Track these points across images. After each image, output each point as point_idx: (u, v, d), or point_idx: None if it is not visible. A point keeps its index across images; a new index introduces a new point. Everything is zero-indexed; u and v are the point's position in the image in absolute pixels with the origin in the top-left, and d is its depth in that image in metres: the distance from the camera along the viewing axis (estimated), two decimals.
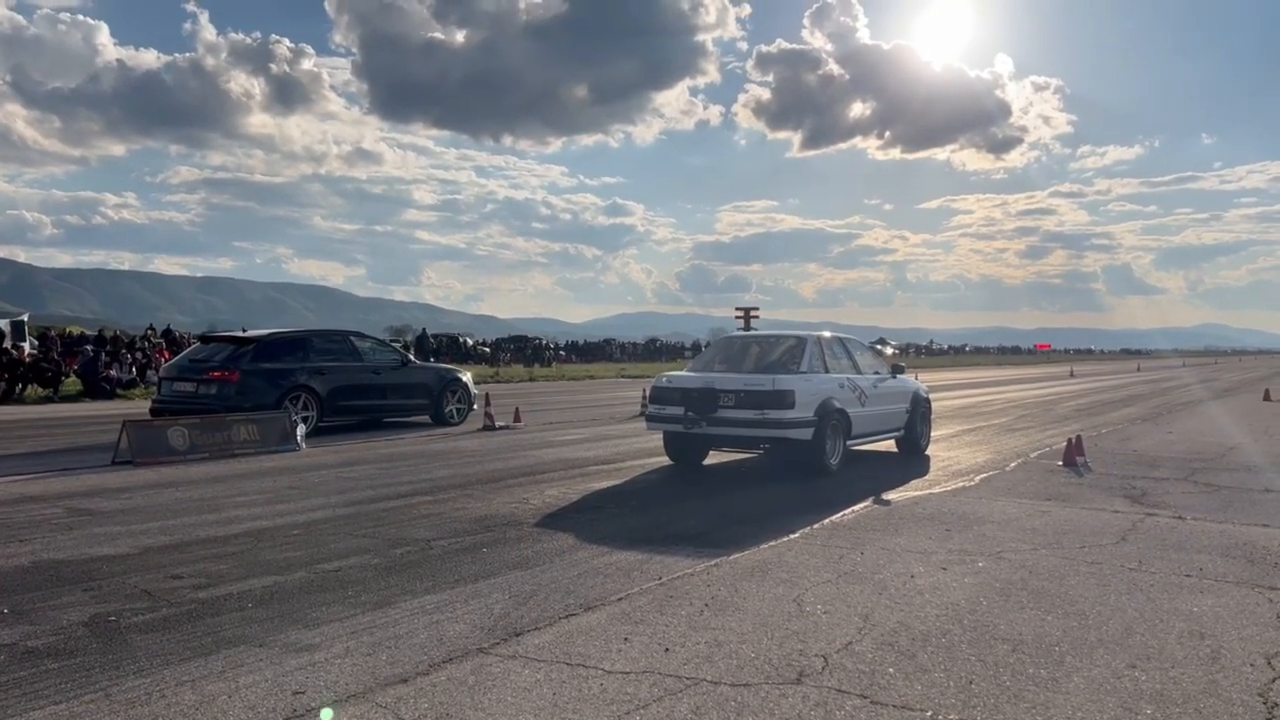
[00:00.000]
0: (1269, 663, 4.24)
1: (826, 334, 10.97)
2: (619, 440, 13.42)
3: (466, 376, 16.60)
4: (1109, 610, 5.02)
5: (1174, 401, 23.91)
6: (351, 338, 15.18)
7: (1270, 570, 5.90)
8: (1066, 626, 4.73)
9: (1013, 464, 11.03)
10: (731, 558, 6.16)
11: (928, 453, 12.13)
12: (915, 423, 11.75)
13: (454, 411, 15.88)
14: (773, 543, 6.62)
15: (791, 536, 6.83)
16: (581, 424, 16.21)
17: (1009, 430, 15.47)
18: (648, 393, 10.42)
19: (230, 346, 13.74)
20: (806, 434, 9.24)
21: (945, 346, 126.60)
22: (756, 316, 22.65)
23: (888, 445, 12.15)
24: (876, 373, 11.21)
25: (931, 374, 44.60)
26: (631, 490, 8.92)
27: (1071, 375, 45.23)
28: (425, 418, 15.73)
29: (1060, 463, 10.81)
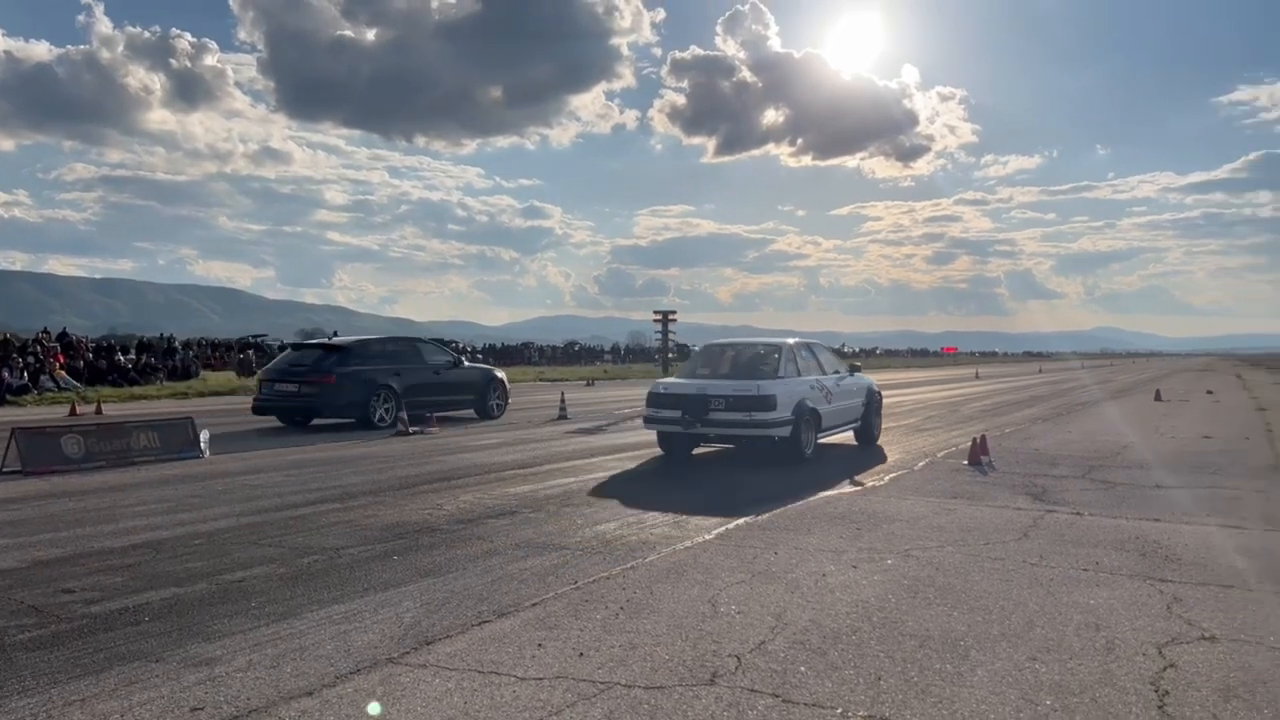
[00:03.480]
0: (1160, 652, 4.42)
1: (795, 340, 12.06)
2: (537, 445, 13.33)
3: (503, 374, 18.49)
4: (1011, 605, 5.17)
5: (1073, 402, 24.87)
6: (416, 342, 17.41)
7: (1161, 563, 6.17)
8: (971, 621, 4.85)
9: (921, 464, 11.31)
10: (648, 560, 6.16)
11: (879, 443, 13.46)
12: (870, 415, 13.18)
13: (494, 406, 17.79)
14: (689, 544, 6.64)
15: (707, 538, 6.86)
16: (499, 428, 16.04)
17: (917, 431, 15.87)
18: (646, 398, 11.43)
19: (323, 352, 15.75)
20: (786, 431, 10.57)
21: (857, 349, 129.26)
22: (674, 320, 22.76)
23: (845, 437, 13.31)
24: (837, 372, 12.51)
25: None
26: (548, 495, 8.85)
27: (977, 377, 46.68)
28: (471, 412, 17.61)
29: (966, 462, 11.12)
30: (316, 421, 15.94)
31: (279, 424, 16.06)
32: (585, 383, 34.75)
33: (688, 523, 7.46)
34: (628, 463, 11.25)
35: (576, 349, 74.48)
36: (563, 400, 19.35)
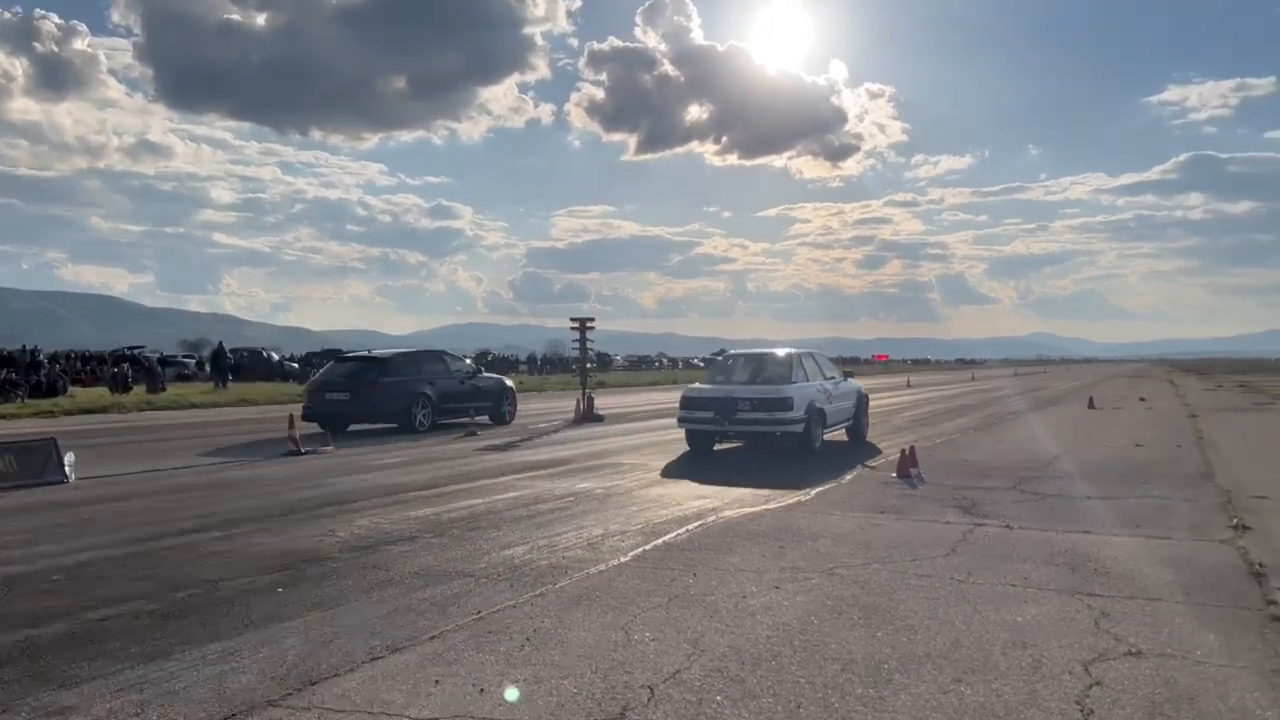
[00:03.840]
0: (1086, 669, 4.55)
1: (799, 350, 14.82)
2: (443, 464, 13.15)
3: (512, 383, 21.79)
4: (937, 624, 5.27)
5: (1005, 411, 25.61)
6: (443, 355, 20.43)
7: (1090, 577, 6.37)
8: (896, 643, 4.93)
9: (848, 476, 11.49)
10: (559, 586, 6.12)
11: (868, 439, 16.27)
12: (859, 415, 16.08)
13: (507, 412, 20.61)
14: (603, 568, 6.62)
15: (623, 560, 6.85)
16: (401, 446, 15.79)
17: (846, 442, 16.11)
18: (680, 401, 13.93)
19: (368, 364, 18.75)
20: (800, 428, 13.17)
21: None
22: (592, 328, 22.70)
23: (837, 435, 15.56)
24: (833, 377, 15.05)
25: None
26: (453, 518, 8.74)
27: (908, 385, 47.73)
28: (485, 418, 20.15)
29: (895, 474, 11.34)
30: (354, 427, 18.48)
31: (160, 449, 15.61)
32: None
33: (602, 544, 7.43)
34: (542, 481, 11.18)
35: (490, 359, 73.87)
36: (472, 415, 19.18)
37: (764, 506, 9.28)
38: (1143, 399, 30.18)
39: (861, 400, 16.38)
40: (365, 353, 20.03)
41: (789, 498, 9.84)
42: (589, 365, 23.62)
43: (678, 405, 14.10)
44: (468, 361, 21.31)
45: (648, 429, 19.25)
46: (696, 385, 14.34)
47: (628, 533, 7.93)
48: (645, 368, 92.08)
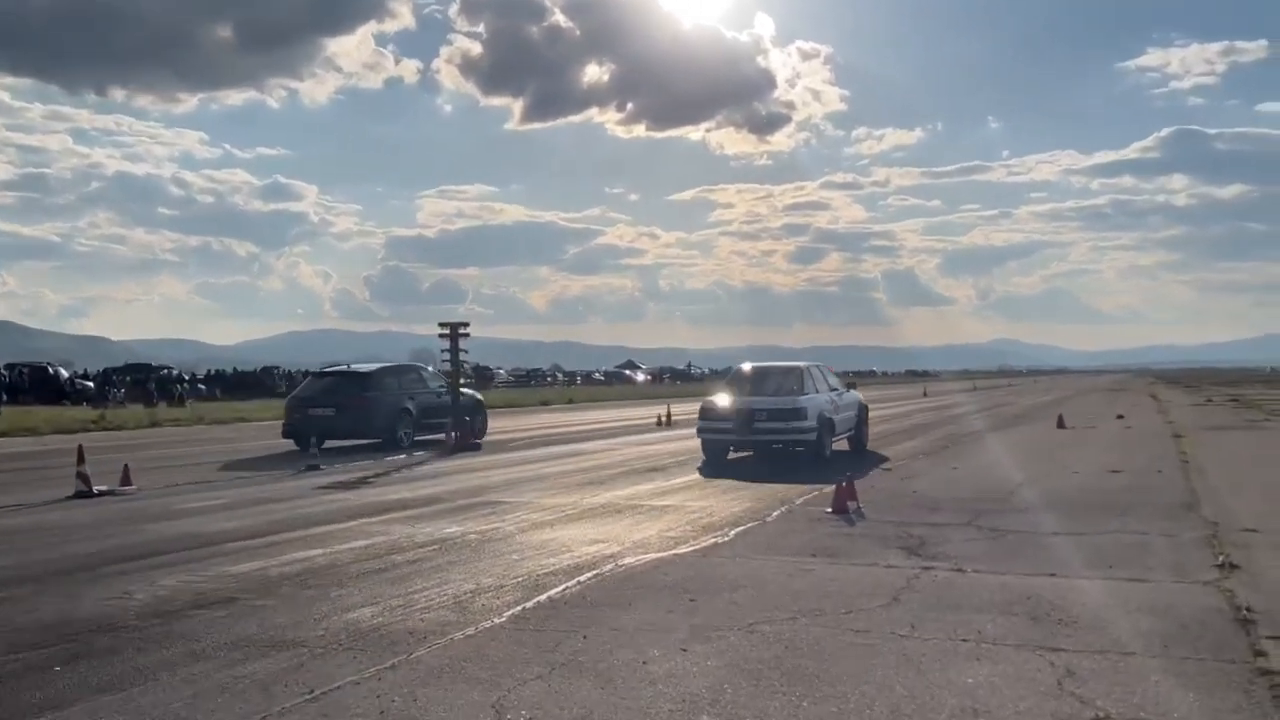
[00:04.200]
0: None
1: (808, 363, 19.09)
2: (275, 506, 12.88)
3: (482, 397, 25.85)
4: (874, 689, 5.35)
5: (962, 432, 26.28)
6: (420, 369, 24.25)
7: (1053, 629, 6.55)
8: (824, 714, 4.98)
9: (775, 513, 11.64)
10: (415, 655, 6.04)
11: (869, 447, 20.16)
12: (860, 425, 19.95)
13: (479, 427, 23.77)
14: (472, 631, 6.56)
15: (497, 621, 6.80)
16: (224, 484, 15.42)
17: (773, 471, 16.31)
18: (699, 412, 17.94)
19: (351, 378, 22.06)
20: (814, 437, 16.85)
21: (705, 370, 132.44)
22: (466, 334, 22.54)
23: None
24: (836, 389, 19.00)
25: (688, 405, 46.14)
26: (284, 573, 8.55)
27: None
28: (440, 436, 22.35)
29: (829, 509, 11.52)
30: (331, 444, 20.64)
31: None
32: None
33: (473, 602, 7.36)
34: (400, 525, 11.03)
35: None
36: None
37: (673, 552, 9.32)
38: (1120, 416, 31.29)
39: (862, 410, 20.37)
40: (345, 367, 23.72)
41: (704, 540, 9.90)
42: (463, 381, 23.43)
43: (696, 416, 18.33)
44: (443, 377, 24.13)
45: (536, 459, 19.19)
46: (714, 397, 18.42)
47: (505, 587, 7.87)
48: (536, 383, 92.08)
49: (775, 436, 17.33)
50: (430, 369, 25.37)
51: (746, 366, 20.08)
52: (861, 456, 18.50)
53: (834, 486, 11.98)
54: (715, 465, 17.18)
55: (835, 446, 18.47)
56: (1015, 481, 14.48)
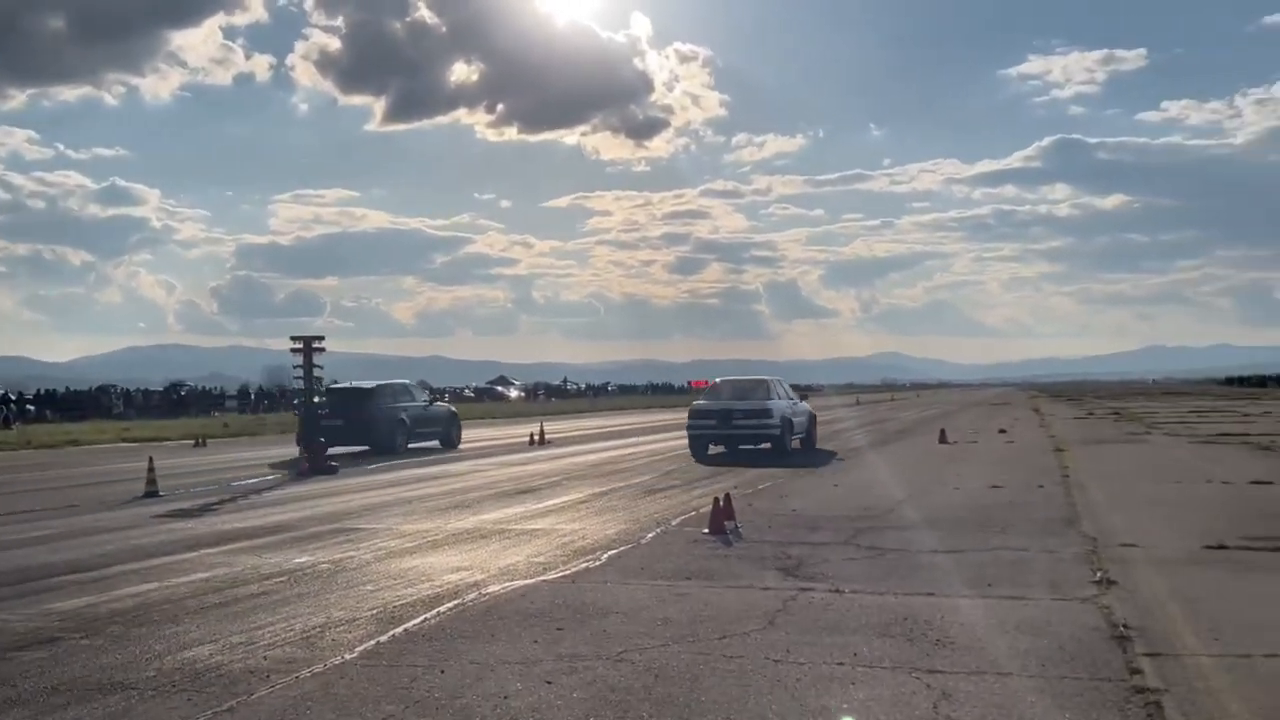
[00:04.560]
0: None
1: (771, 377, 25.01)
2: (106, 536, 12.45)
3: (456, 410, 32.20)
4: (746, 717, 5.37)
5: (843, 447, 26.73)
6: (408, 385, 29.90)
7: (930, 649, 6.67)
8: None
9: (650, 535, 11.67)
10: (255, 696, 5.88)
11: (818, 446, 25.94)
12: (811, 429, 26.16)
13: (455, 437, 29.57)
14: (320, 668, 6.41)
15: (348, 657, 6.67)
16: (49, 514, 14.85)
17: (649, 492, 16.39)
18: (689, 413, 24.19)
19: (358, 393, 27.31)
20: (777, 432, 22.40)
21: (582, 386, 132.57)
22: (321, 348, 22.15)
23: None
24: (792, 398, 25.14)
25: (562, 423, 46.36)
26: (114, 609, 8.27)
27: None
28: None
29: (706, 530, 11.59)
30: (336, 450, 24.46)
31: None
32: (193, 442, 33.09)
33: (322, 638, 7.19)
34: (245, 556, 10.77)
35: (183, 393, 70.87)
36: (151, 469, 18.17)
37: (540, 578, 9.27)
38: (1003, 431, 32.20)
39: (811, 418, 26.80)
40: (349, 384, 29.00)
41: (574, 565, 9.87)
42: (318, 397, 23.00)
43: (687, 417, 24.63)
44: (426, 392, 31.25)
45: (398, 482, 18.93)
46: (700, 402, 24.89)
47: (358, 620, 7.72)
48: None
49: (748, 432, 23.61)
50: (414, 384, 31.43)
51: (723, 380, 26.95)
52: (814, 452, 24.70)
53: (710, 506, 12.07)
54: (598, 484, 17.15)
55: (791, 445, 24.42)
56: (896, 498, 14.77)
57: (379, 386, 28.02)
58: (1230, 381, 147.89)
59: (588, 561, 10.05)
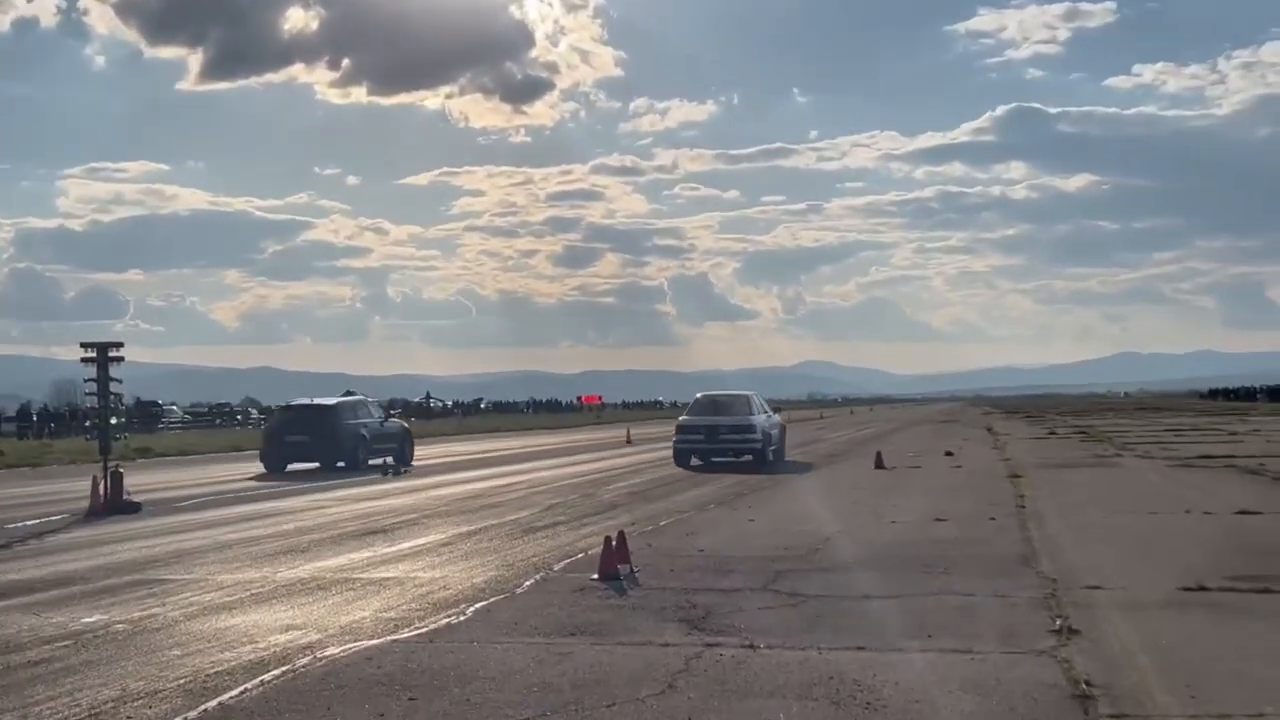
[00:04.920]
0: None
1: (750, 393, 32.43)
2: None
3: (408, 426, 38.47)
4: None
5: (761, 475, 26.95)
6: (366, 401, 35.46)
7: (860, 714, 6.74)
8: None
9: (528, 582, 11.64)
10: None
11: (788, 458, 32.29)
12: (781, 440, 32.51)
13: (409, 454, 34.50)
14: None
15: None
16: None
17: (529, 531, 16.35)
18: (676, 429, 31.20)
19: (321, 409, 32.83)
20: (759, 445, 29.54)
21: (449, 403, 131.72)
22: (119, 359, 21.67)
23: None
24: (768, 413, 31.64)
25: (423, 448, 46.08)
26: None
27: (629, 442, 49.21)
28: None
29: (596, 575, 11.59)
30: (294, 467, 31.22)
31: None
32: None
33: (117, 714, 7.05)
34: (20, 615, 10.51)
35: None
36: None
37: (391, 637, 9.16)
38: (949, 453, 32.80)
39: (783, 430, 33.44)
40: (310, 400, 34.79)
41: (434, 620, 9.78)
42: (115, 421, 22.46)
43: (674, 432, 31.60)
44: (379, 408, 36.97)
45: (217, 522, 18.63)
46: (685, 418, 31.66)
47: (161, 693, 7.57)
48: (223, 423, 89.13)
49: (733, 445, 30.32)
50: (369, 400, 37.22)
51: (707, 395, 33.44)
52: (785, 462, 31.09)
53: (600, 547, 12.06)
54: (465, 522, 17.04)
55: (769, 456, 30.64)
56: (823, 534, 14.92)
57: (340, 402, 34.12)
58: (1214, 394, 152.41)
59: (450, 616, 9.96)
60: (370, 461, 31.92)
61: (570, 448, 45.75)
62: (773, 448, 31.27)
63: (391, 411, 41.34)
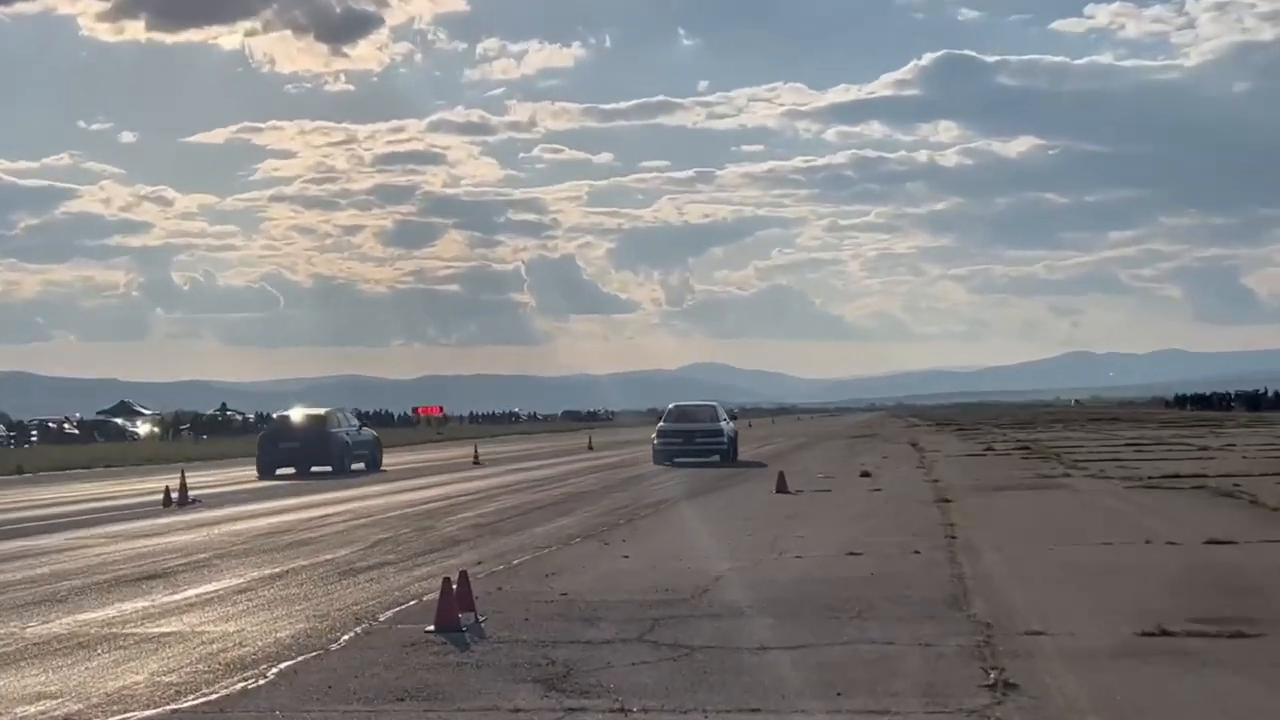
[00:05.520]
0: None
1: (714, 403, 53.26)
2: None
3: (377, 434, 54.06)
4: None
5: (640, 501, 27.04)
6: (344, 410, 52.44)
7: None
8: None
9: (345, 636, 11.55)
10: None
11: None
12: (734, 444, 49.36)
13: (379, 461, 48.58)
14: None
15: None
16: None
17: (348, 573, 16.21)
18: (656, 434, 46.53)
19: (313, 417, 47.78)
20: (726, 446, 47.23)
21: (251, 416, 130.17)
22: None
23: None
24: (728, 420, 51.23)
25: (217, 473, 45.60)
26: None
27: (477, 463, 49.08)
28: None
29: (431, 627, 11.51)
30: (289, 471, 42.64)
31: None
32: None
33: None
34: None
35: None
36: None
37: (172, 706, 9.02)
38: (867, 474, 33.13)
39: (735, 435, 48.56)
40: (301, 410, 48.17)
41: (226, 685, 9.64)
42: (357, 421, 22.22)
43: (654, 436, 45.78)
44: (354, 416, 50.85)
45: None
46: (664, 424, 46.59)
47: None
48: None
49: (705, 447, 44.46)
50: (344, 410, 51.32)
51: (680, 405, 49.44)
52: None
53: (438, 592, 11.98)
54: (269, 563, 16.84)
55: (711, 459, 43.92)
56: (712, 573, 14.96)
57: (329, 411, 47.55)
58: (1181, 402, 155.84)
59: (246, 679, 9.83)
60: (354, 466, 45.49)
61: (403, 470, 45.49)
62: (734, 449, 46.93)
63: (362, 420, 55.81)
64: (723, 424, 47.04)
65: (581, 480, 35.75)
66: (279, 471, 43.14)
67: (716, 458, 44.78)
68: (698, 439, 45.21)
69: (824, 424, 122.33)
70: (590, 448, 64.58)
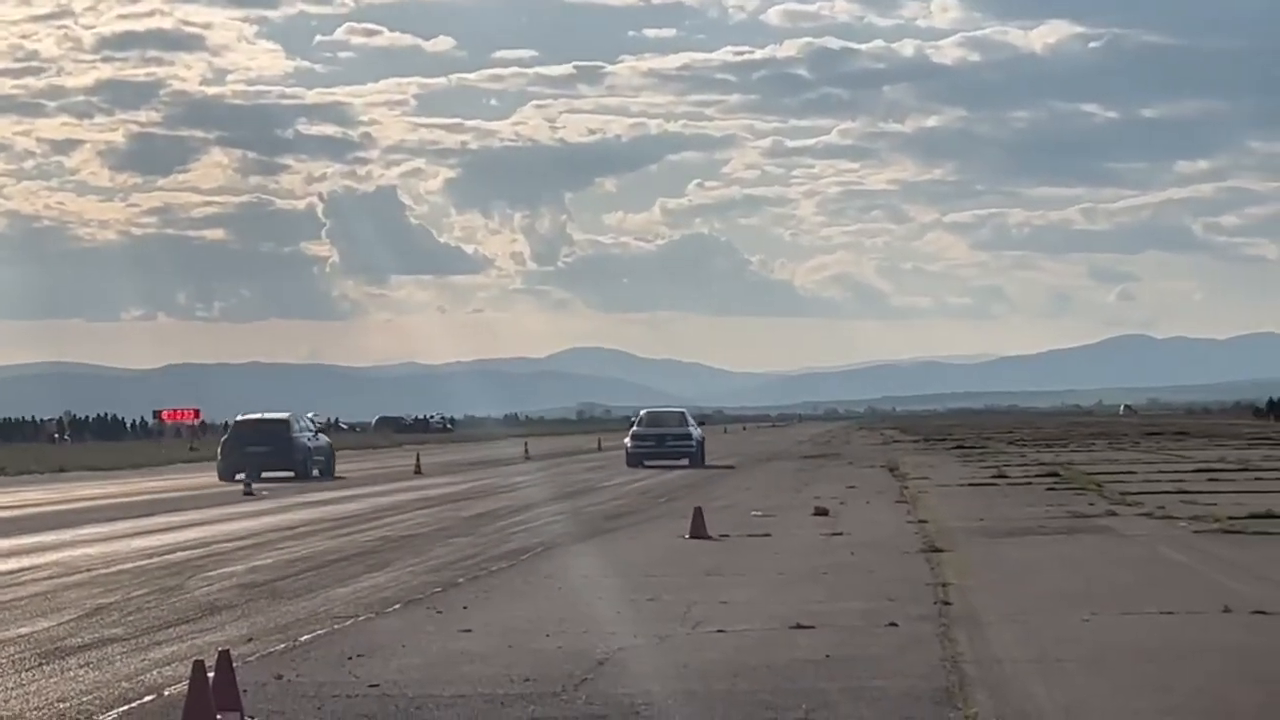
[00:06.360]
0: None
1: (684, 409, 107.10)
2: None
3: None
4: None
5: (493, 551, 27.03)
6: (305, 416, 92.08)
7: None
8: None
9: None
10: None
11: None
12: (703, 447, 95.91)
13: (333, 467, 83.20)
14: None
15: None
16: None
17: (54, 653, 16.05)
18: (630, 437, 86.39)
19: (277, 422, 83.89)
20: (695, 449, 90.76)
21: None
22: None
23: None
24: (696, 425, 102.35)
25: None
26: None
27: (249, 494, 48.95)
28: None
29: None
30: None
31: None
32: None
33: None
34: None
35: None
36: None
37: None
38: (823, 511, 33.19)
39: (703, 439, 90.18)
40: (264, 415, 79.81)
41: None
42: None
43: (627, 440, 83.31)
44: (315, 423, 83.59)
45: None
46: (638, 428, 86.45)
47: None
48: None
49: (675, 449, 78.74)
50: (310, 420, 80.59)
51: (651, 410, 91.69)
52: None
53: (186, 682, 11.87)
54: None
55: (681, 462, 74.98)
56: (594, 654, 14.89)
57: (291, 416, 72.07)
58: (1275, 409, 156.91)
59: None
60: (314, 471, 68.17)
61: (140, 504, 45.21)
62: (700, 452, 70.61)
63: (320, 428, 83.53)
64: (691, 429, 74.33)
65: (406, 519, 35.70)
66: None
67: (685, 461, 68.39)
68: (668, 442, 70.61)
69: (763, 439, 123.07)
70: (419, 471, 64.62)
